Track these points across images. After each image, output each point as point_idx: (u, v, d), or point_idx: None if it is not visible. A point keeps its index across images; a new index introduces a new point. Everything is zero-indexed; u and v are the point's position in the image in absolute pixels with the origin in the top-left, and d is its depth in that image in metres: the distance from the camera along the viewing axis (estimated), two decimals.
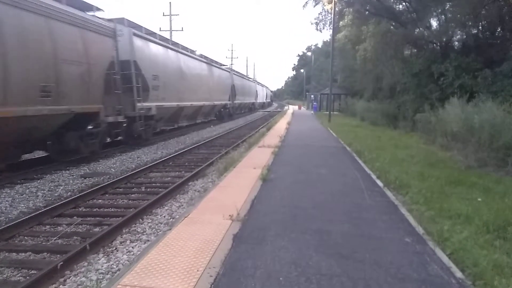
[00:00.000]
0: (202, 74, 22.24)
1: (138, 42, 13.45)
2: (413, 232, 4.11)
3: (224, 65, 31.16)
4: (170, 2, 34.17)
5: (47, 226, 5.55)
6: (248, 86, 42.80)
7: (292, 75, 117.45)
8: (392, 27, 20.41)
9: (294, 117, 29.07)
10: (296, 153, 10.17)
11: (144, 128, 13.62)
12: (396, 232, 4.13)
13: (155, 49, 15.22)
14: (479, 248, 3.61)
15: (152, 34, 15.98)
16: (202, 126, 23.15)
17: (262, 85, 66.13)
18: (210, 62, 24.70)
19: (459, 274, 3.14)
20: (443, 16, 18.64)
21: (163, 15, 34.82)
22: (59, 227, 5.46)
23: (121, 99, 12.30)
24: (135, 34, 13.15)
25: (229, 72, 31.44)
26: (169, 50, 17.12)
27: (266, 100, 68.18)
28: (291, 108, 54.18)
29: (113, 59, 11.90)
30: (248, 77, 50.07)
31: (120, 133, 13.13)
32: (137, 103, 12.98)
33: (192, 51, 21.52)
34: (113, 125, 12.09)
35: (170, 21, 34.33)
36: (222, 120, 28.60)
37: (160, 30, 32.23)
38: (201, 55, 22.97)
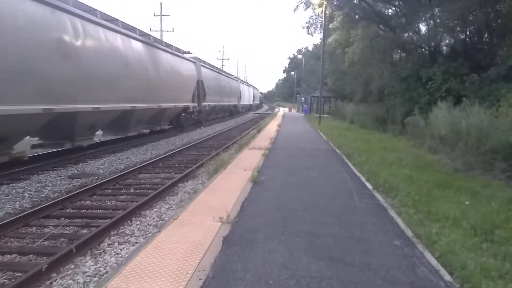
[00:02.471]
0: (132, 58, 13.56)
1: None
2: (402, 235, 4.14)
3: (186, 53, 20.95)
4: (161, 3, 34.11)
5: (34, 228, 5.45)
6: (227, 84, 34.05)
7: (283, 77, 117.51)
8: (381, 31, 20.62)
9: (285, 120, 29.11)
10: (286, 155, 10.18)
11: None
12: (386, 234, 4.15)
13: None
14: (467, 251, 3.65)
15: None
16: (192, 127, 22.25)
17: (248, 85, 56.84)
18: (152, 42, 15.90)
19: (447, 277, 3.17)
20: (431, 21, 18.90)
21: (154, 15, 34.74)
22: (45, 229, 5.36)
23: None
24: None
25: (193, 62, 22.06)
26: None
27: (253, 102, 60.16)
28: (282, 110, 54.21)
29: None
30: (227, 73, 39.15)
31: None
32: None
33: (114, 20, 12.89)
34: None
35: (161, 21, 34.24)
36: (183, 129, 20.18)
37: (150, 31, 32.03)
38: (130, 27, 14.07)
